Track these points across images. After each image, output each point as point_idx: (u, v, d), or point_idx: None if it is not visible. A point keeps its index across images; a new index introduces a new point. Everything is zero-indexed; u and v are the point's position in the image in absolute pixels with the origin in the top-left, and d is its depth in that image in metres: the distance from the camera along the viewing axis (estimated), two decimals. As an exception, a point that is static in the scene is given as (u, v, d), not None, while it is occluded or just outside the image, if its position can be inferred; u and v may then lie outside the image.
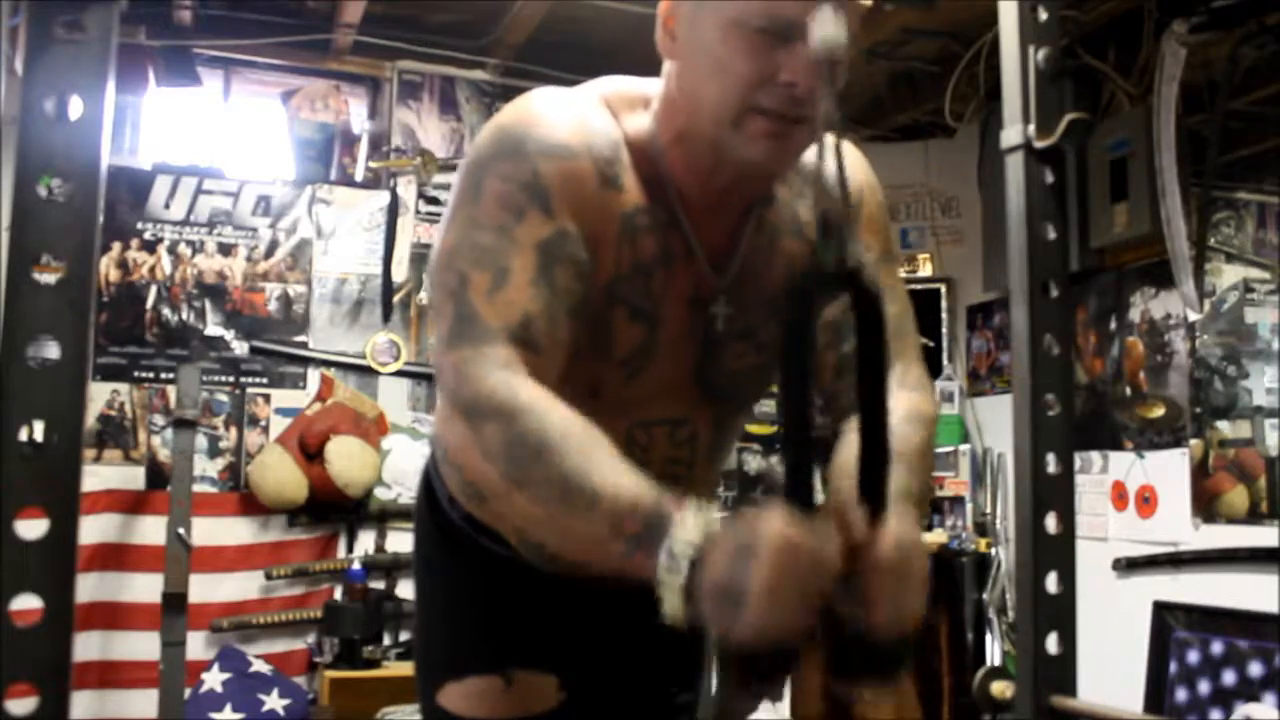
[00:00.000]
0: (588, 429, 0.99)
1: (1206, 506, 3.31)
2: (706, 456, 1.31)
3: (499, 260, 1.07)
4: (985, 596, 3.94)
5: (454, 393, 1.03)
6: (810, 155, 1.24)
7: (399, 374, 4.08)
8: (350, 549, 3.95)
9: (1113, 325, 3.68)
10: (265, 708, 3.59)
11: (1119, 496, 3.61)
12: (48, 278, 1.02)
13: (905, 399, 1.20)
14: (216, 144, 4.04)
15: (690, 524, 0.91)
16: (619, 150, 1.17)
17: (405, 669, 3.78)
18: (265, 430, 3.93)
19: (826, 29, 0.94)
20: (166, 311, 3.87)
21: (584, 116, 1.16)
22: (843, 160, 0.94)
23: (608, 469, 0.97)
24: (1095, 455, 3.69)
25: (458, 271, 1.08)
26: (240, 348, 3.95)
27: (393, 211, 4.01)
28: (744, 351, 1.25)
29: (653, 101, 1.20)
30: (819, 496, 0.92)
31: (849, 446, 1.08)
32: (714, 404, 1.28)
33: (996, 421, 4.20)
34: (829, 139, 0.95)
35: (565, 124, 1.14)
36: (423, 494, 1.42)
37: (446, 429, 1.06)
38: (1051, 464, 1.39)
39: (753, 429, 4.52)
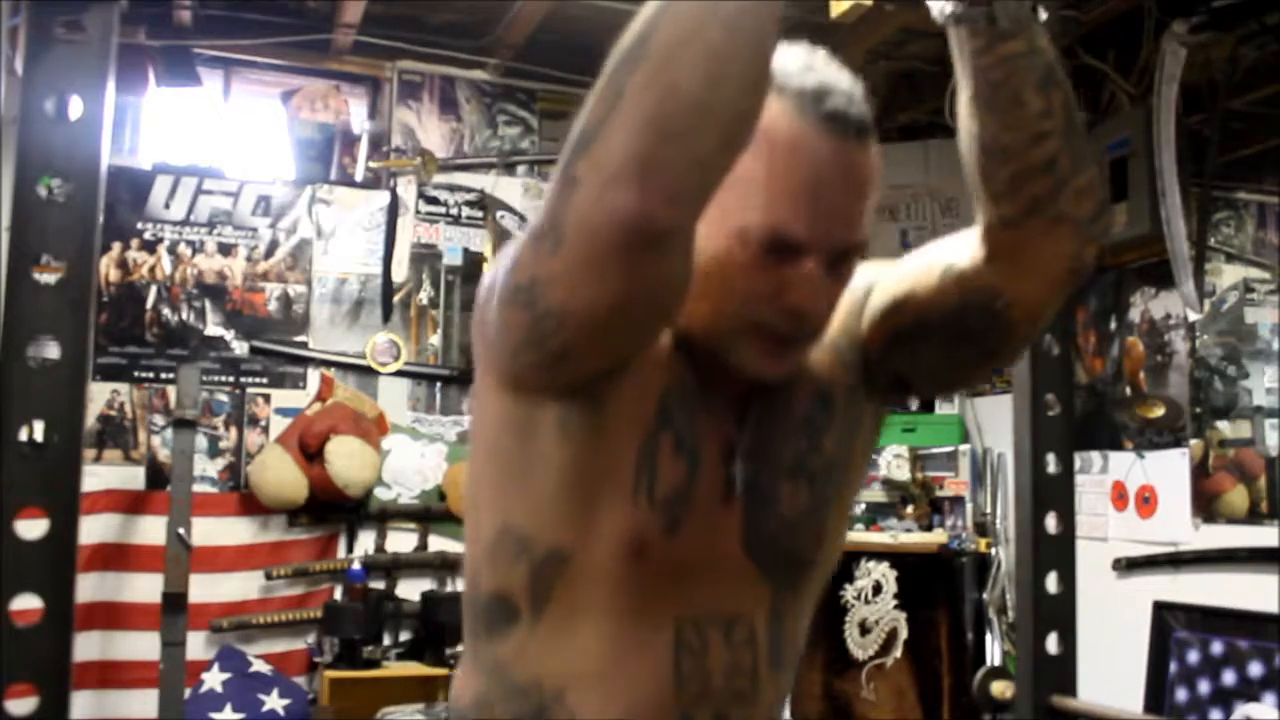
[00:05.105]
0: None
1: (1206, 506, 3.31)
2: (770, 662, 1.11)
3: None
4: (985, 596, 3.93)
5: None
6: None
7: (399, 374, 4.08)
8: (350, 549, 3.94)
9: (1113, 325, 3.68)
10: (265, 708, 3.59)
11: (1119, 496, 3.61)
12: (48, 278, 1.01)
13: None
14: (216, 144, 4.04)
15: None
16: None
17: (405, 669, 3.78)
18: (265, 430, 3.93)
19: None
20: (166, 311, 3.87)
21: None
22: None
23: None
24: (1095, 455, 3.69)
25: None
26: (240, 348, 3.95)
27: (393, 211, 4.01)
28: (795, 490, 1.09)
29: None
30: None
31: None
32: (770, 583, 1.11)
33: (996, 421, 4.19)
34: None
35: None
36: None
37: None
38: (1051, 464, 1.39)
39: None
